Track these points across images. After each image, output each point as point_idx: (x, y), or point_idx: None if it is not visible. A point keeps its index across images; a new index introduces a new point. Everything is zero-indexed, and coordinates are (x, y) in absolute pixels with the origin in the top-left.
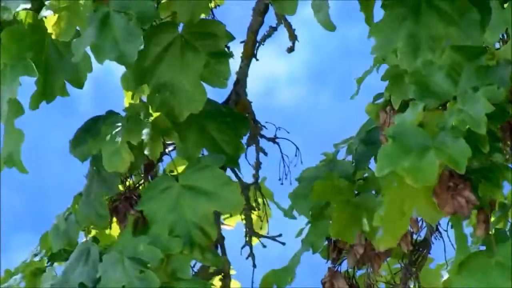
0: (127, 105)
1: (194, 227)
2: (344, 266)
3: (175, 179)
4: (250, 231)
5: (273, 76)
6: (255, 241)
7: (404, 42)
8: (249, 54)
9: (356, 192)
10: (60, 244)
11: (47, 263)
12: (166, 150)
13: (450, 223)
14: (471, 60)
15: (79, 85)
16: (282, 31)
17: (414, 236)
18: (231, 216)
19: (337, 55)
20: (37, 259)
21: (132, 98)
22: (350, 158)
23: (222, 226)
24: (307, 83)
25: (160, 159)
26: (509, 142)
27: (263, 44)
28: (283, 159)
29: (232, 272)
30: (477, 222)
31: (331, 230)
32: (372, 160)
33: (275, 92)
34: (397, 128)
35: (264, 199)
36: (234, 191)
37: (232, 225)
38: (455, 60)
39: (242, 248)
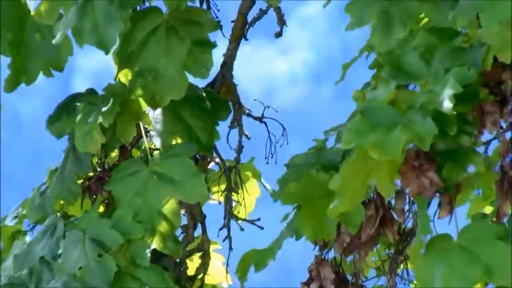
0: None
1: (158, 214)
2: (332, 254)
3: (145, 163)
4: (229, 214)
5: (273, 76)
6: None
7: (377, 18)
8: (238, 36)
9: None
10: (35, 217)
11: (29, 226)
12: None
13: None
14: (445, 42)
15: (59, 68)
16: (282, 31)
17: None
18: None
19: (337, 55)
20: (15, 222)
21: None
22: (339, 145)
23: (208, 201)
24: (307, 83)
25: (135, 143)
26: (478, 125)
27: (252, 26)
28: (270, 139)
29: (217, 247)
30: (441, 204)
31: (304, 234)
32: None
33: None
34: (368, 104)
35: (243, 184)
36: (200, 183)
37: (218, 199)
38: (430, 41)
39: (220, 230)
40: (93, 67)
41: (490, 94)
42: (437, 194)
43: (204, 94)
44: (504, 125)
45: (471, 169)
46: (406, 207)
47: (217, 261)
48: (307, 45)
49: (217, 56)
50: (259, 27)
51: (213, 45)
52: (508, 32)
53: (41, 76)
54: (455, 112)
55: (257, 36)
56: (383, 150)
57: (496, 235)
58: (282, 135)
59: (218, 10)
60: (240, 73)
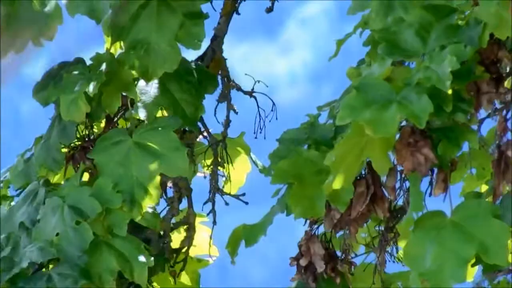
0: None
1: (138, 186)
2: (322, 230)
3: (129, 134)
4: (214, 188)
5: (273, 76)
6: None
7: (378, 2)
8: (229, 11)
9: None
10: (19, 183)
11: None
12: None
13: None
14: (441, 19)
15: (50, 37)
16: (282, 31)
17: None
18: None
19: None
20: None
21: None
22: (331, 121)
23: (197, 174)
24: (307, 83)
25: (121, 114)
26: (474, 103)
27: (244, 0)
28: (259, 113)
29: (204, 219)
30: (436, 182)
31: (293, 212)
32: None
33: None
34: (363, 80)
35: (229, 158)
36: (182, 157)
37: (205, 175)
38: (426, 19)
39: (204, 204)
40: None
41: (485, 72)
42: (430, 172)
43: (193, 67)
44: (500, 104)
45: (466, 148)
46: (397, 184)
47: (203, 233)
48: (307, 45)
49: (208, 30)
50: (258, 27)
51: (206, 16)
52: (504, 10)
53: (41, 74)
54: (451, 89)
55: (257, 36)
56: (378, 127)
57: (492, 213)
58: (272, 110)
59: None
60: (240, 73)
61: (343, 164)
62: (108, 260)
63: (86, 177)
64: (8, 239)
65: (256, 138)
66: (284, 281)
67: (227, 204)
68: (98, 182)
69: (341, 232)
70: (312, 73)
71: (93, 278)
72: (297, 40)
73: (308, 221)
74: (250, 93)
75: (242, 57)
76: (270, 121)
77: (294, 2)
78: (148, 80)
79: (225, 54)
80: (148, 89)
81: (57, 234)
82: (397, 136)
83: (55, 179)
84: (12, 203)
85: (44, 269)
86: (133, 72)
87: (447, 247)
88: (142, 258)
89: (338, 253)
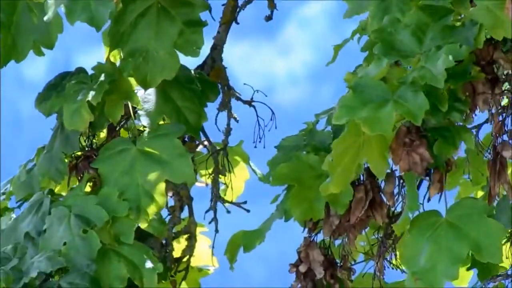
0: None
1: (144, 193)
2: (321, 236)
3: (133, 142)
4: (216, 196)
5: (273, 76)
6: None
7: (375, 6)
8: (228, 19)
9: None
10: (21, 194)
11: (17, 204)
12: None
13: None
14: (437, 20)
15: (50, 46)
16: (282, 31)
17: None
18: None
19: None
20: (3, 198)
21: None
22: (329, 128)
23: (196, 184)
24: (307, 83)
25: (123, 123)
26: (469, 104)
27: (243, 9)
28: (258, 123)
29: (204, 229)
30: (431, 182)
31: (293, 214)
32: None
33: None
34: (359, 80)
35: (231, 166)
36: (187, 163)
37: (206, 183)
38: (422, 19)
39: (206, 212)
40: (93, 65)
41: (481, 72)
42: (428, 176)
43: (194, 76)
44: (496, 106)
45: (463, 153)
46: (396, 190)
47: (203, 243)
48: (307, 45)
49: (207, 39)
50: (258, 27)
51: (204, 24)
52: (499, 10)
53: (41, 75)
54: (446, 88)
55: (256, 36)
56: (374, 125)
57: (486, 212)
58: (271, 119)
59: None
60: (240, 73)
61: (340, 165)
62: (117, 268)
63: (87, 187)
64: (15, 250)
65: (255, 147)
66: (284, 281)
67: (228, 212)
68: (103, 191)
69: (339, 241)
70: (312, 73)
71: (103, 286)
72: (297, 40)
73: (307, 228)
74: (250, 103)
75: (242, 57)
76: (269, 130)
77: (294, 2)
78: (147, 87)
79: (224, 54)
80: (150, 97)
81: (65, 244)
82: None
83: (57, 189)
84: (13, 215)
85: (52, 279)
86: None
87: (442, 246)
88: (151, 264)
89: (337, 261)
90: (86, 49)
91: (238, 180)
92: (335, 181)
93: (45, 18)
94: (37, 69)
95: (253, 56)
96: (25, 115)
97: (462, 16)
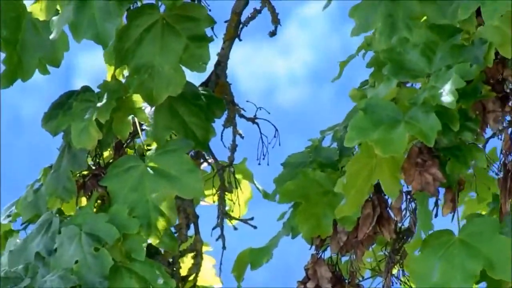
0: (108, 79)
1: (154, 210)
2: (328, 253)
3: (141, 159)
4: (222, 213)
5: (273, 76)
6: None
7: (382, 22)
8: (232, 36)
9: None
10: (28, 215)
11: (22, 226)
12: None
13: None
14: (446, 39)
15: (56, 63)
16: (282, 32)
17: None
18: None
19: (337, 55)
20: (7, 220)
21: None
22: (335, 145)
23: (201, 202)
24: (307, 83)
25: (131, 139)
26: (480, 122)
27: (246, 26)
28: (262, 140)
29: (208, 248)
30: (444, 201)
31: (301, 230)
32: (356, 147)
33: (275, 92)
34: (369, 101)
35: (237, 183)
36: (197, 179)
37: (211, 202)
38: (431, 39)
39: (213, 229)
40: (93, 67)
41: (491, 91)
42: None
43: (200, 92)
44: (506, 123)
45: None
46: (403, 206)
47: (207, 262)
48: (307, 45)
49: (211, 55)
50: (258, 27)
51: (210, 39)
52: (508, 28)
53: (41, 76)
54: (457, 108)
55: (257, 36)
56: (386, 147)
57: (498, 230)
58: (274, 136)
59: (210, 10)
60: (240, 73)
61: (354, 187)
62: (129, 284)
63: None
64: (26, 270)
65: (259, 164)
66: (285, 283)
67: (235, 229)
68: (113, 208)
69: (346, 257)
70: (312, 73)
71: None
72: (297, 40)
73: (314, 245)
74: (253, 120)
75: (242, 57)
76: (273, 147)
77: (294, 2)
78: (153, 104)
79: None
80: (156, 113)
81: (76, 262)
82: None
83: (64, 209)
84: (17, 236)
85: None
86: None
87: (455, 264)
88: (162, 280)
89: (345, 277)
90: (87, 52)
91: (242, 200)
92: (350, 203)
93: (51, 37)
94: (37, 71)
95: (254, 57)
96: (25, 117)
97: (470, 34)
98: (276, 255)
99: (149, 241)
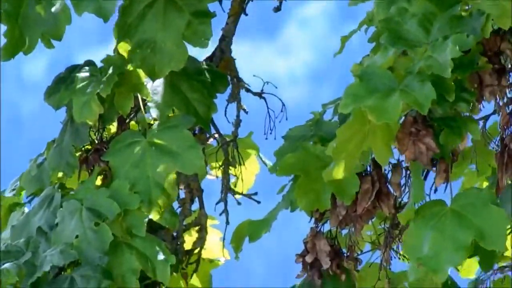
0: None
1: (155, 186)
2: (327, 227)
3: (143, 134)
4: (226, 188)
5: (274, 76)
6: None
7: None
8: (237, 11)
9: None
10: (31, 189)
11: (26, 199)
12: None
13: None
14: (444, 10)
15: (58, 37)
16: (282, 31)
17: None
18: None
19: (337, 55)
20: (12, 194)
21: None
22: (336, 118)
23: (207, 176)
24: (307, 83)
25: (133, 115)
26: (476, 95)
27: (252, 0)
28: (269, 114)
29: (215, 222)
30: (437, 171)
31: (299, 204)
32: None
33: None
34: (366, 69)
35: (241, 158)
36: (197, 155)
37: (216, 175)
38: (429, 9)
39: (216, 204)
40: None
41: (488, 63)
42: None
43: (203, 67)
44: (503, 97)
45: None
46: (403, 181)
47: (214, 236)
48: (307, 45)
49: (216, 31)
50: (259, 28)
51: (213, 15)
52: (506, 0)
53: (42, 74)
54: (453, 79)
55: (257, 36)
56: (381, 114)
57: (490, 201)
58: (281, 111)
59: None
60: (240, 74)
61: (344, 151)
62: (130, 260)
63: (98, 180)
64: (28, 244)
65: (266, 139)
66: (285, 275)
67: (239, 204)
68: (114, 184)
69: (346, 230)
70: (312, 73)
71: (116, 278)
72: (297, 40)
73: (313, 218)
74: (260, 94)
75: (242, 57)
76: (280, 121)
77: (294, 2)
78: (154, 78)
79: None
80: (159, 89)
81: (77, 237)
82: None
83: (68, 183)
84: (24, 209)
85: (64, 272)
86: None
87: (446, 234)
88: (163, 256)
89: (343, 251)
90: (87, 48)
91: (249, 173)
92: (338, 167)
93: (53, 9)
94: (37, 68)
95: (253, 56)
96: (25, 114)
97: (469, 6)
98: (275, 247)
99: (151, 216)
